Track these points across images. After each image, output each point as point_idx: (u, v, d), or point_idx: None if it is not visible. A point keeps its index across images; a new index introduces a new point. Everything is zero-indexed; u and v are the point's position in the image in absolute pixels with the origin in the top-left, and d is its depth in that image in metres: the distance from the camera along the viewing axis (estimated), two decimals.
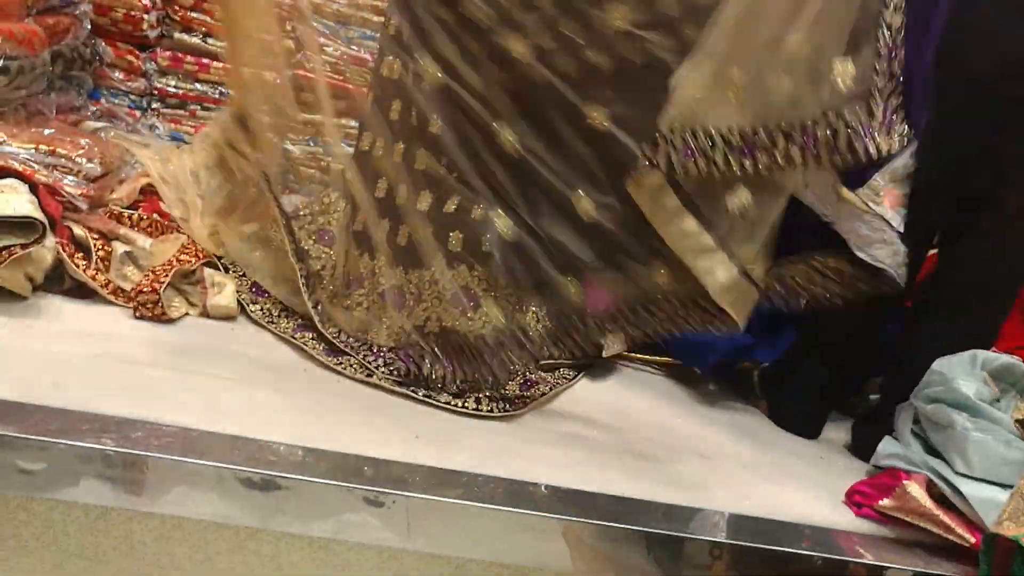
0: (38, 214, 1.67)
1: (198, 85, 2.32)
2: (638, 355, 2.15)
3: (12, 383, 1.37)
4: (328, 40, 2.26)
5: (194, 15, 2.24)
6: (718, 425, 1.97)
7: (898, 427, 1.84)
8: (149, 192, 2.10)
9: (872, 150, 1.44)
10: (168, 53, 2.26)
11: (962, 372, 1.74)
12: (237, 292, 1.89)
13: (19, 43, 1.88)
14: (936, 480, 1.65)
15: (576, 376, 1.97)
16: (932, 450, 1.73)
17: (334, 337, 1.79)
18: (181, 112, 2.38)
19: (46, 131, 1.90)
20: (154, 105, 2.36)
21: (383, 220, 1.87)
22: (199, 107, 2.36)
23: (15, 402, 1.33)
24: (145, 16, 2.22)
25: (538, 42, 1.64)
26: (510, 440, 1.63)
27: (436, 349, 1.73)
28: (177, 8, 2.23)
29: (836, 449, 2.01)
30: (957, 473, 1.64)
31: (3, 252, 1.61)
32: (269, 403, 1.54)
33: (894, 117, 1.43)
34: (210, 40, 2.23)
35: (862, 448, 1.93)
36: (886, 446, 1.80)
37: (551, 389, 1.86)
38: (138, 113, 2.34)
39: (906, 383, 1.86)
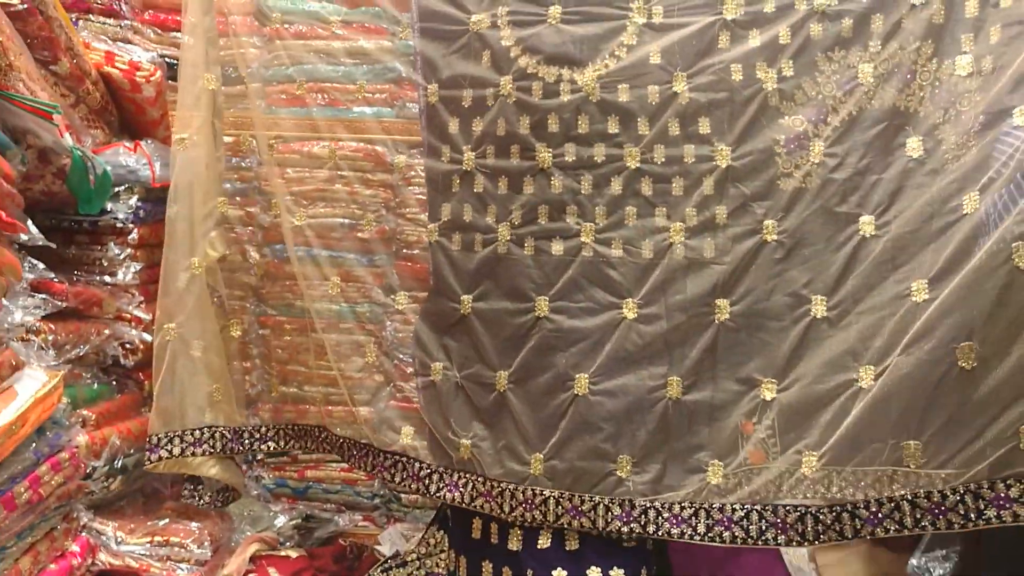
0: None
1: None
2: None
3: None
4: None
5: (290, 367, 2.38)
6: None
7: None
8: (259, 558, 2.12)
9: None
10: (269, 406, 2.39)
11: None
12: None
13: (136, 438, 2.03)
14: None
15: None
16: None
17: None
18: (284, 459, 2.46)
19: (160, 522, 1.97)
20: (258, 457, 2.46)
21: (485, 562, 1.83)
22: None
23: None
24: (246, 377, 2.37)
25: None
26: None
27: None
28: (275, 364, 2.38)
29: None
30: None
31: None
32: None
33: None
34: (307, 388, 2.35)
35: None
36: None
37: None
38: (244, 467, 2.43)
39: None
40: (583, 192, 1.85)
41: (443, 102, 2.02)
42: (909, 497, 1.52)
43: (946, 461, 1.50)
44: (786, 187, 1.75)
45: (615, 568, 1.71)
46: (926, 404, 1.53)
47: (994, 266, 1.47)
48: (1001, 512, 1.41)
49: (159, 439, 2.02)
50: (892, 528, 1.54)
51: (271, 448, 2.24)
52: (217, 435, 2.11)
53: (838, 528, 1.60)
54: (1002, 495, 1.41)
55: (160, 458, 2.02)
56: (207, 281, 2.11)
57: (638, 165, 1.84)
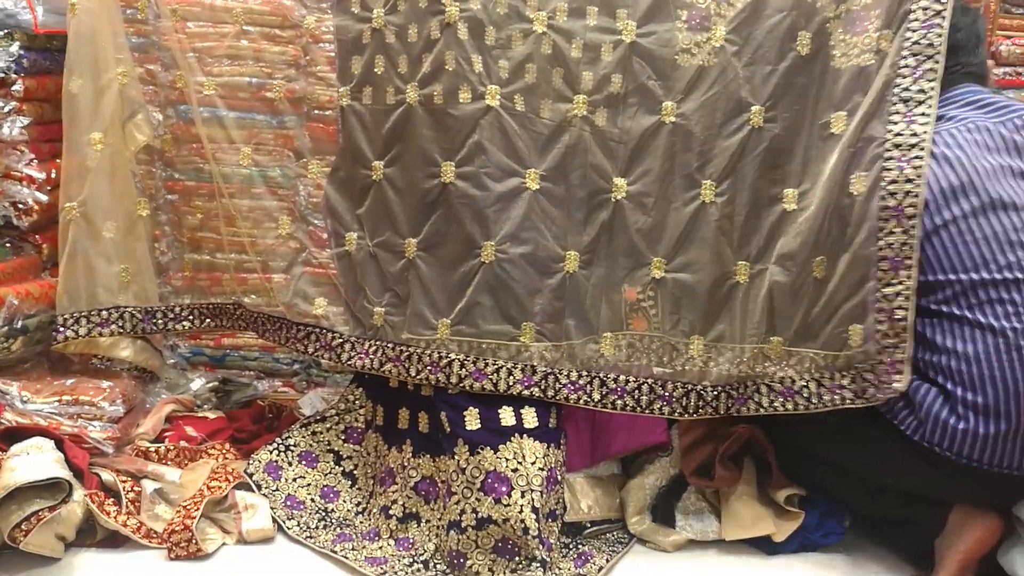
0: (63, 472, 1.67)
1: (213, 299, 2.37)
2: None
3: None
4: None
5: (201, 234, 2.31)
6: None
7: None
8: (175, 418, 2.11)
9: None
10: (180, 274, 2.33)
11: None
12: (272, 509, 1.85)
13: (36, 300, 1.95)
14: None
15: (630, 539, 1.85)
16: None
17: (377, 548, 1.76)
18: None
19: (68, 381, 1.93)
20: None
21: (402, 409, 1.88)
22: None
23: None
24: (155, 244, 2.29)
25: None
26: None
27: (477, 544, 1.65)
28: (185, 231, 2.31)
29: None
30: None
31: (32, 518, 1.60)
32: None
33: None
34: (219, 256, 2.30)
35: None
36: None
37: (608, 560, 1.75)
38: (159, 335, 2.38)
39: None
40: (488, 46, 1.83)
41: None
42: (768, 383, 1.75)
43: (797, 356, 1.74)
44: (687, 65, 1.78)
45: (526, 407, 1.77)
46: (788, 309, 1.73)
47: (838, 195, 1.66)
48: (833, 397, 1.69)
49: (65, 319, 1.98)
50: (752, 407, 1.76)
51: (186, 328, 2.22)
52: (127, 315, 2.07)
53: (715, 405, 1.78)
54: (836, 384, 1.69)
55: (67, 338, 1.98)
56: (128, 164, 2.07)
57: (544, 30, 1.83)
